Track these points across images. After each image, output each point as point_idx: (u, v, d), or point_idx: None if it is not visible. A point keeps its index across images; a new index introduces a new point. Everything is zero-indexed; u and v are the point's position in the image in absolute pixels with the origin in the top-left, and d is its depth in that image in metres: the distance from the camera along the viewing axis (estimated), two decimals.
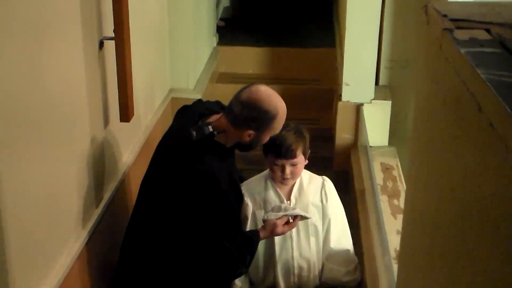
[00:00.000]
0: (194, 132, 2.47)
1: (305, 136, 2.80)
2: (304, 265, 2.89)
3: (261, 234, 2.71)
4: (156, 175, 2.65)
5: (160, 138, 2.77)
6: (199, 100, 2.93)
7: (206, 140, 2.50)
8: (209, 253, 2.57)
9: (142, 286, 2.67)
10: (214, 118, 2.59)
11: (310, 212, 2.84)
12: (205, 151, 2.52)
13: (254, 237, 2.69)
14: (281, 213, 2.71)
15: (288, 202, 2.85)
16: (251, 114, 2.47)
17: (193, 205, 2.51)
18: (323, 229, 2.90)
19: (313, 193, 2.88)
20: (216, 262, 2.59)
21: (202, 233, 2.53)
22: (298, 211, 2.74)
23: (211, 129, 2.49)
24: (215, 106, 2.76)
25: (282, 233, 2.74)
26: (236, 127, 2.51)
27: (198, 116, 2.63)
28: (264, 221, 2.73)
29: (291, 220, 2.74)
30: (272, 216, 2.71)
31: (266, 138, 2.60)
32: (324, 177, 2.98)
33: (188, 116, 2.68)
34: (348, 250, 2.94)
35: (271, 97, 2.50)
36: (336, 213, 2.92)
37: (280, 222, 2.69)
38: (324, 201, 2.88)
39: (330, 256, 2.93)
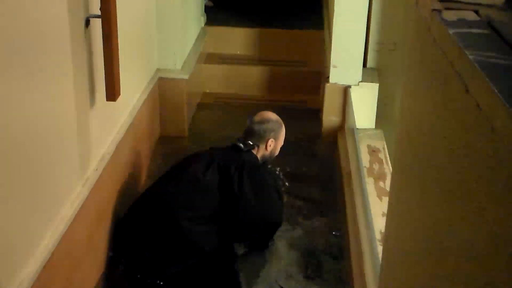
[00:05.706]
0: (241, 145, 3.22)
1: None
2: None
3: None
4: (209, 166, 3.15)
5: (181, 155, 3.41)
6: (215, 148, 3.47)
7: (249, 152, 3.25)
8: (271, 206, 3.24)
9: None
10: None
11: None
12: (251, 156, 3.27)
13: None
14: None
15: None
16: (268, 126, 3.31)
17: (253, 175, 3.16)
18: None
19: None
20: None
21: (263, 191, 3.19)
22: None
23: (251, 143, 3.25)
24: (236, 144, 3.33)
25: None
26: (260, 141, 3.27)
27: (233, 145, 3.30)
28: None
29: None
30: None
31: (279, 146, 3.36)
32: None
33: (221, 152, 3.29)
34: None
35: (273, 114, 3.38)
36: None
37: None
38: None
39: None
